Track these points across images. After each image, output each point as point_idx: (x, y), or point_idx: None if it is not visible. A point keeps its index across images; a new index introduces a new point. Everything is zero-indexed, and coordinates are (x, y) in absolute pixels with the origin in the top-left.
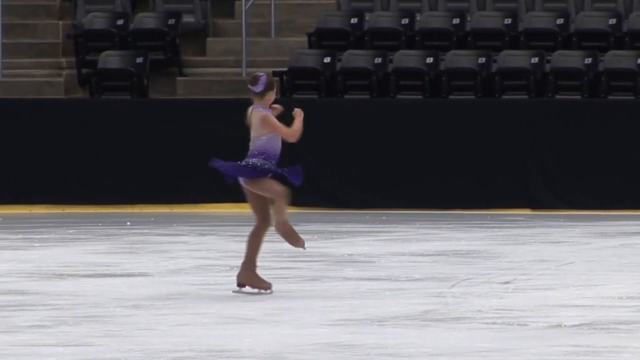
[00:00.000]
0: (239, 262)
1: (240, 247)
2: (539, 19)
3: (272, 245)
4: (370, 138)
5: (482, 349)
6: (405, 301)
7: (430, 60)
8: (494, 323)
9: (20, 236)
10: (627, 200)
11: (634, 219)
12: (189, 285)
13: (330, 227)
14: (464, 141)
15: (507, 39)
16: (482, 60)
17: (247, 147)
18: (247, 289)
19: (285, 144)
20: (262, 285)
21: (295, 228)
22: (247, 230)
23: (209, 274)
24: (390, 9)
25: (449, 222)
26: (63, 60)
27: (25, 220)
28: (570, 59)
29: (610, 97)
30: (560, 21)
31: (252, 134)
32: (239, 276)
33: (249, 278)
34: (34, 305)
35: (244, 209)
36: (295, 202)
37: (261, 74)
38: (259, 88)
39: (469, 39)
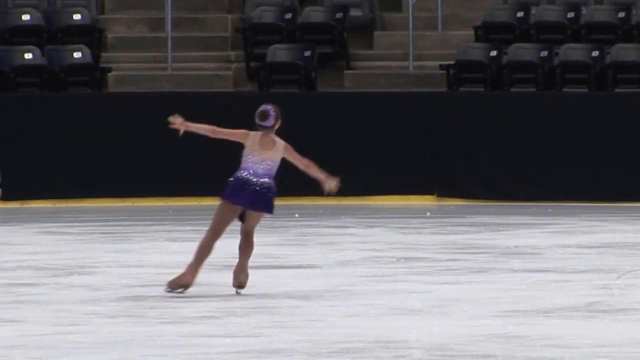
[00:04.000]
0: (407, 253)
1: (407, 239)
2: None
3: (439, 237)
4: (536, 131)
5: None
6: (571, 293)
7: (596, 53)
8: None
9: (189, 228)
10: None
11: None
12: (357, 277)
13: (496, 220)
14: (631, 133)
15: None
16: None
17: (416, 139)
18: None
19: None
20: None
21: (462, 220)
22: (414, 222)
23: (376, 266)
24: (556, 3)
25: (614, 214)
26: (232, 53)
27: (194, 212)
28: None
29: None
30: None
31: (267, 155)
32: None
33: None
34: (203, 296)
35: (410, 202)
36: (462, 194)
37: (269, 107)
38: (269, 122)
39: (634, 32)
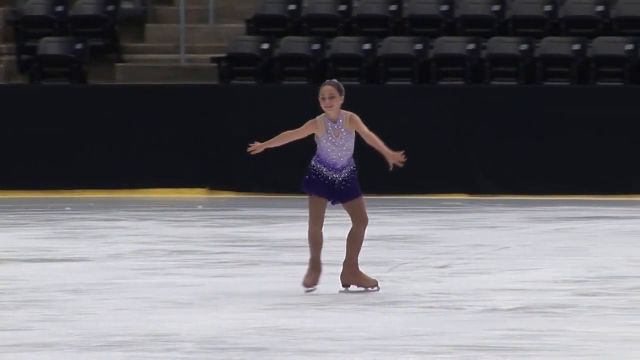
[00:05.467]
0: (178, 247)
1: (179, 233)
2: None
3: (211, 230)
4: (304, 122)
5: (419, 332)
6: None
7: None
8: (431, 307)
9: None
10: (563, 185)
11: (570, 204)
12: (128, 270)
13: (268, 212)
14: (403, 125)
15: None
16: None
17: (188, 132)
18: (353, 287)
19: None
20: (368, 284)
21: (234, 213)
22: (186, 215)
23: (148, 259)
24: None
25: (386, 207)
26: (3, 46)
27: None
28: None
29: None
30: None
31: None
32: (342, 277)
33: (353, 277)
34: None
35: (182, 195)
36: (235, 187)
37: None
38: None
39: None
